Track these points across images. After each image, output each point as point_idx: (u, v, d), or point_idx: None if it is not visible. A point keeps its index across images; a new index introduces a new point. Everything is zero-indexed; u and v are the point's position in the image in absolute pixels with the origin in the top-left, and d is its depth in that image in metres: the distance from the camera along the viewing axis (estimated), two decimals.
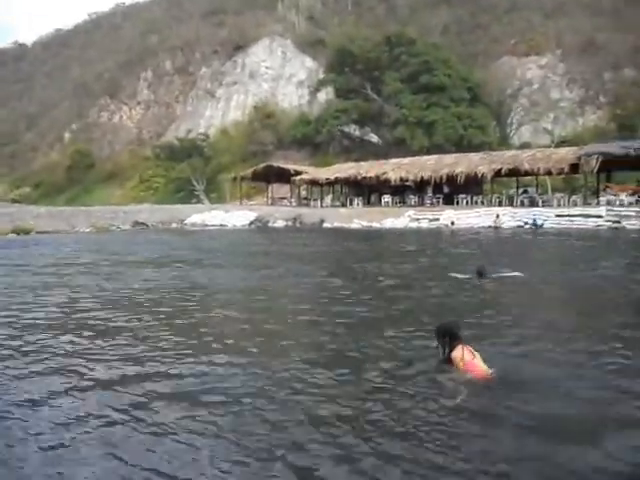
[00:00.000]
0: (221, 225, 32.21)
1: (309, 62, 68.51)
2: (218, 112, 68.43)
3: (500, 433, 3.35)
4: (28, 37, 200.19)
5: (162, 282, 9.60)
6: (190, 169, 56.42)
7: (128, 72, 78.77)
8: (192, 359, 4.84)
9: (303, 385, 4.12)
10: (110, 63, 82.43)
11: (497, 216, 24.73)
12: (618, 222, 22.32)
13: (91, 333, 5.90)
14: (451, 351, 4.25)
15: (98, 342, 5.49)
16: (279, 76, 68.37)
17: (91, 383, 4.27)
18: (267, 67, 68.39)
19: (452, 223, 25.26)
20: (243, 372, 4.44)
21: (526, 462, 2.99)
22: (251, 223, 32.38)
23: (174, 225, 32.80)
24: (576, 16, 66.09)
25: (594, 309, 7.49)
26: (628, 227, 21.81)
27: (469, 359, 4.18)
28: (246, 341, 5.55)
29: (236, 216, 33.63)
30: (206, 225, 32.38)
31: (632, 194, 25.75)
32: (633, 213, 22.71)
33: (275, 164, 42.09)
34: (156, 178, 62.32)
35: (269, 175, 41.28)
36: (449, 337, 4.32)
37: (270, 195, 43.48)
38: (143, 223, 32.20)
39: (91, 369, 4.60)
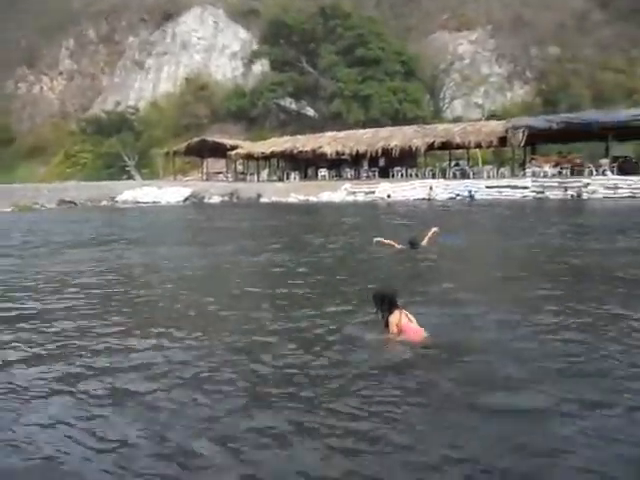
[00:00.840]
0: (154, 202, 31.22)
1: (242, 33, 66.58)
2: (148, 84, 65.46)
3: (433, 390, 3.44)
4: None
5: (97, 262, 9.12)
6: (120, 144, 53.91)
7: (48, 40, 73.50)
8: (130, 337, 4.64)
9: (240, 362, 4.03)
10: (27, 29, 76.51)
11: (430, 188, 25.34)
12: (542, 192, 23.48)
13: (20, 318, 5.52)
14: (389, 315, 4.30)
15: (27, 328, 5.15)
16: (211, 47, 66.07)
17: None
18: (199, 37, 65.86)
19: (388, 196, 25.65)
20: (180, 351, 4.29)
21: (455, 413, 3.05)
22: (186, 199, 31.58)
23: (104, 203, 31.49)
24: None
25: (523, 273, 7.82)
26: (551, 197, 23.00)
27: (405, 322, 4.28)
28: (183, 321, 5.37)
29: (170, 192, 32.68)
30: (138, 202, 31.28)
31: (554, 166, 27.08)
32: (555, 184, 23.92)
33: (210, 138, 40.97)
34: (83, 154, 59.07)
35: (204, 150, 40.18)
36: (387, 302, 4.38)
37: (205, 170, 42.43)
38: (70, 201, 30.68)
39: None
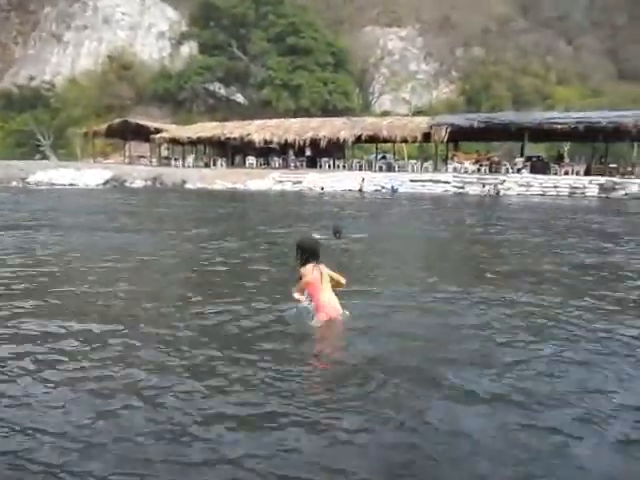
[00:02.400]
0: (71, 184, 29.46)
1: (170, 12, 64.22)
2: (66, 59, 61.58)
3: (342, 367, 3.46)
4: None
5: (6, 248, 8.35)
6: (34, 121, 50.41)
7: None
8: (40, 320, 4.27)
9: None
10: None
11: (362, 180, 25.63)
12: (462, 187, 24.43)
13: None
14: (302, 267, 4.17)
15: None
16: (137, 24, 63.18)
17: None
18: (123, 13, 62.73)
19: (322, 189, 25.58)
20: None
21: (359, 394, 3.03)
22: (106, 182, 30.06)
23: (14, 183, 29.31)
24: None
25: (441, 261, 8.07)
26: (471, 192, 23.97)
27: (315, 280, 4.11)
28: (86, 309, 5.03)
29: (89, 174, 30.97)
30: (53, 184, 29.37)
31: (474, 163, 28.29)
32: (474, 180, 24.97)
33: (133, 120, 39.21)
34: None
35: (126, 132, 38.39)
36: (307, 254, 4.21)
37: (128, 153, 40.61)
38: None
39: None
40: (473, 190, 24.18)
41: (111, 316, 4.60)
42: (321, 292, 4.14)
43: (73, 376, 3.33)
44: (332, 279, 4.27)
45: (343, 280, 4.36)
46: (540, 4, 76.09)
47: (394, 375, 3.32)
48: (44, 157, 46.94)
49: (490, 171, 27.16)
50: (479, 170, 27.41)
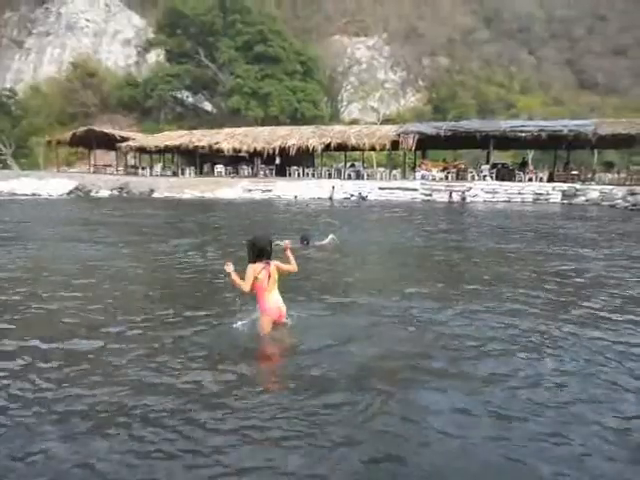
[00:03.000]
0: (33, 194, 28.63)
1: (137, 19, 63.50)
2: (28, 65, 60.14)
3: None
4: None
5: None
6: None
7: None
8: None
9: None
10: None
11: (332, 188, 25.65)
12: (430, 195, 24.70)
13: None
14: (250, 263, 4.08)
15: None
16: (102, 31, 62.23)
17: None
18: (87, 20, 61.72)
19: (295, 197, 25.28)
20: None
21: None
22: (70, 192, 29.32)
23: None
24: (401, 3, 70.89)
25: (411, 268, 8.09)
26: (438, 199, 24.26)
27: (261, 279, 4.05)
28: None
29: (52, 184, 30.17)
30: (15, 194, 28.50)
31: (442, 170, 28.69)
32: (442, 187, 25.29)
33: (98, 128, 38.42)
34: None
35: (91, 140, 37.55)
36: (257, 251, 4.11)
37: (93, 162, 39.74)
38: None
39: None
40: (440, 197, 24.48)
41: (81, 330, 4.44)
42: (266, 293, 4.11)
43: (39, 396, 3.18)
44: (282, 271, 4.24)
45: (294, 267, 4.34)
46: (502, 16, 78.19)
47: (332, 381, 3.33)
48: (5, 167, 45.58)
49: (457, 178, 27.58)
50: (446, 177, 27.80)
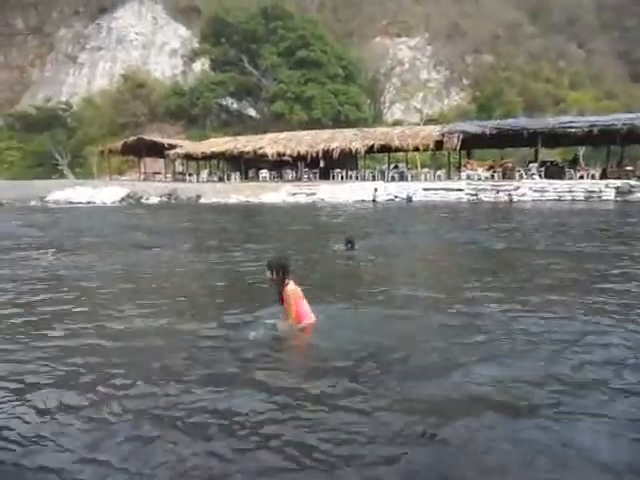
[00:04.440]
0: (88, 202, 29.88)
1: (182, 30, 65.33)
2: (82, 79, 62.91)
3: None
4: None
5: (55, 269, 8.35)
6: (51, 141, 51.45)
7: None
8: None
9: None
10: None
11: (375, 190, 25.61)
12: (476, 195, 24.30)
13: None
14: (285, 285, 4.37)
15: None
16: (150, 43, 64.38)
17: None
18: (136, 33, 64.00)
19: (358, 202, 24.89)
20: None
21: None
22: (122, 200, 30.45)
23: (33, 203, 29.82)
24: (443, 2, 69.97)
25: (470, 274, 8.03)
26: (485, 199, 23.84)
27: (300, 295, 4.42)
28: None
29: (105, 192, 31.40)
30: (71, 202, 29.86)
31: (488, 169, 28.15)
32: (488, 187, 24.83)
33: (147, 137, 39.80)
34: (10, 151, 55.90)
35: (141, 149, 38.93)
36: (282, 271, 4.40)
37: (143, 170, 41.16)
38: None
39: None
40: (487, 197, 24.04)
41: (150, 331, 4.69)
42: (304, 303, 4.47)
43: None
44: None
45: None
46: (549, 9, 75.92)
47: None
48: (62, 176, 47.79)
49: (504, 177, 27.01)
50: (493, 177, 27.27)
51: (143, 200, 30.05)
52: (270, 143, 33.12)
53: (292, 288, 4.37)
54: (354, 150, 30.38)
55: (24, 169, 52.08)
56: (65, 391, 3.43)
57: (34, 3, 68.99)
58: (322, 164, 32.72)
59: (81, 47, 64.98)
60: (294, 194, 27.56)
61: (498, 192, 23.83)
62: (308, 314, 4.45)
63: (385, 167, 33.19)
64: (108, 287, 6.77)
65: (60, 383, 3.56)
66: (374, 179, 29.94)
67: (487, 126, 27.86)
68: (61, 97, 59.95)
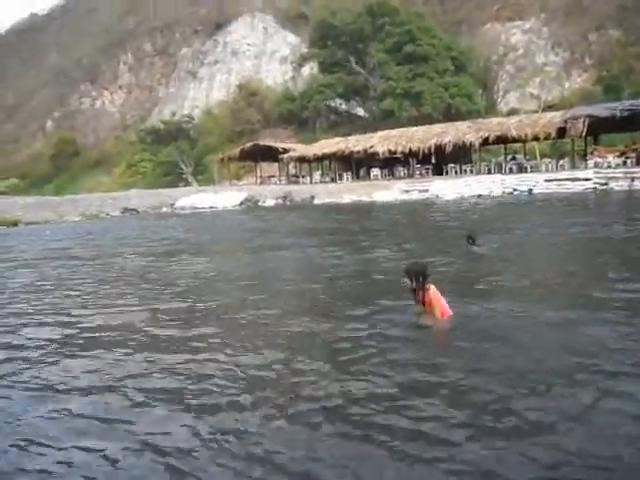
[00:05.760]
0: (211, 207, 31.96)
1: (291, 37, 67.47)
2: (201, 93, 67.52)
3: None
4: (1, 24, 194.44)
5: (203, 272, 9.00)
6: (177, 152, 55.92)
7: (107, 56, 77.32)
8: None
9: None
10: (88, 47, 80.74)
11: (493, 183, 24.63)
12: (606, 184, 22.43)
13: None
14: (426, 289, 4.61)
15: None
16: (261, 53, 67.34)
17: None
18: (249, 44, 67.28)
19: (475, 197, 23.89)
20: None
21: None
22: (241, 203, 32.19)
23: (164, 209, 32.54)
24: None
25: (581, 269, 7.58)
26: (616, 188, 21.93)
27: (440, 296, 4.65)
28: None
29: (225, 197, 33.41)
30: (196, 208, 32.12)
31: (619, 156, 25.82)
32: (620, 174, 22.80)
33: (262, 143, 41.72)
34: (143, 163, 61.69)
35: (257, 154, 40.93)
36: (422, 277, 4.64)
37: (259, 174, 43.21)
38: (133, 209, 31.92)
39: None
40: (618, 186, 22.07)
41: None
42: (444, 301, 4.70)
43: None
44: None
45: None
46: None
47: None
48: (187, 184, 51.68)
49: (638, 163, 24.62)
50: (625, 163, 24.98)
51: (260, 203, 31.49)
52: (380, 141, 33.16)
53: (434, 290, 4.62)
54: (468, 143, 29.45)
55: (155, 178, 57.14)
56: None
57: (160, 27, 75.33)
58: (434, 160, 32.09)
59: (200, 63, 69.77)
60: (407, 191, 27.35)
61: (633, 180, 21.78)
62: (448, 309, 4.68)
63: (502, 159, 31.77)
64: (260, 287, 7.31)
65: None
66: (490, 172, 28.79)
67: (617, 108, 25.57)
68: (184, 110, 64.81)
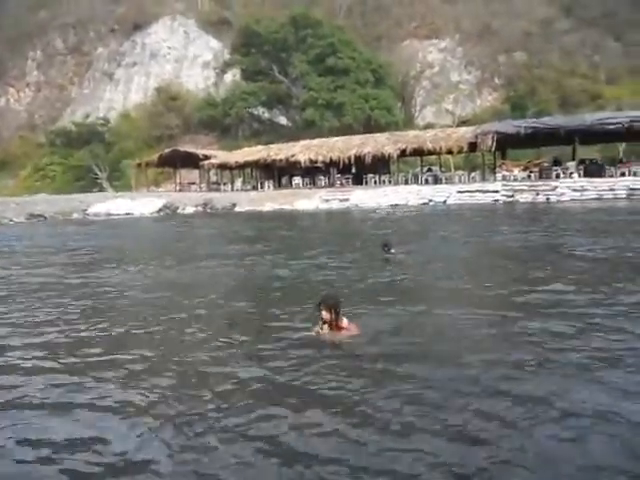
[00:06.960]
0: (127, 214, 30.66)
1: (214, 43, 66.52)
2: (118, 95, 64.80)
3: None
4: None
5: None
6: (90, 156, 53.18)
7: (14, 51, 72.22)
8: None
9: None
10: None
11: (409, 194, 25.42)
12: (512, 196, 23.86)
13: None
14: (339, 319, 4.51)
15: None
16: (182, 57, 65.82)
17: None
18: (169, 47, 65.56)
19: (392, 206, 24.35)
20: None
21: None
22: (160, 210, 31.14)
23: (75, 215, 30.82)
24: (472, 2, 69.06)
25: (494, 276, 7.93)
26: (521, 200, 23.38)
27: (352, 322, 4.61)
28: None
29: (143, 203, 32.20)
30: (111, 214, 30.69)
31: (524, 170, 27.61)
32: (525, 187, 24.36)
33: (182, 148, 40.71)
34: (52, 166, 58.05)
35: (176, 160, 39.83)
36: (336, 310, 4.50)
37: (178, 181, 42.06)
38: (40, 215, 29.92)
39: None
40: (524, 198, 23.56)
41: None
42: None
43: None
44: None
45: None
46: (584, 2, 73.99)
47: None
48: (101, 189, 49.30)
49: (540, 177, 26.45)
50: (529, 177, 26.74)
51: (179, 210, 30.64)
52: (302, 150, 33.38)
53: (346, 321, 4.56)
54: (386, 154, 30.31)
55: (66, 183, 53.98)
56: None
57: (72, 24, 71.56)
58: (354, 169, 32.74)
59: (117, 64, 66.98)
60: (327, 200, 27.64)
61: (538, 194, 23.31)
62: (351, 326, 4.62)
63: (418, 170, 32.98)
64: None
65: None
66: (407, 183, 29.78)
67: (522, 125, 27.37)
68: (99, 113, 61.88)
